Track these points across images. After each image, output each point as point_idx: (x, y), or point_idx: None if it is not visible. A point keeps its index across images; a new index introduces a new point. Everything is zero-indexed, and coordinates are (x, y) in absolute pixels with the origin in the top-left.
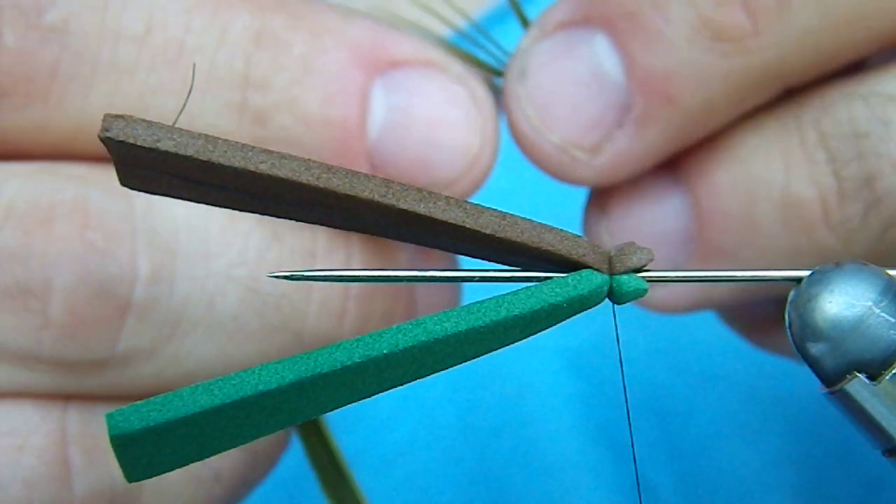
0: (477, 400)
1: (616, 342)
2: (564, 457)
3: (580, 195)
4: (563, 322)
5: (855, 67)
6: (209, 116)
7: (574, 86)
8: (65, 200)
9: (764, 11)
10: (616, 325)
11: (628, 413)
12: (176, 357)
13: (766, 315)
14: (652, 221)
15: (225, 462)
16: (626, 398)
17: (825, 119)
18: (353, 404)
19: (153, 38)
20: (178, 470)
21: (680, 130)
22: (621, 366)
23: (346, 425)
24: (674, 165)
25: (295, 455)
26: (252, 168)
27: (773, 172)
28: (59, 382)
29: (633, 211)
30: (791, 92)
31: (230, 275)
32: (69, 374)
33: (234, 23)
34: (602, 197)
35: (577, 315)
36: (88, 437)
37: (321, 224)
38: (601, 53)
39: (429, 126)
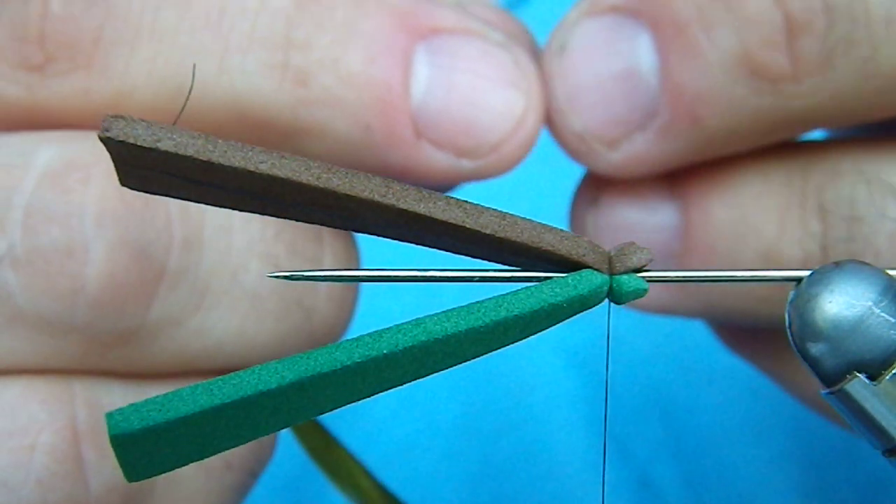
0: (478, 399)
1: (607, 341)
2: (566, 455)
3: (555, 178)
4: (564, 322)
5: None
6: (251, 77)
7: (608, 78)
8: (102, 161)
9: (807, 60)
10: (609, 325)
11: (606, 409)
12: (200, 330)
13: (752, 329)
14: (638, 227)
15: (235, 450)
16: (605, 396)
17: (829, 189)
18: (353, 404)
19: (195, 2)
20: None
21: (698, 149)
22: (607, 366)
23: (346, 425)
24: (675, 180)
25: (293, 456)
26: (252, 168)
27: (768, 225)
28: (82, 355)
29: (623, 211)
30: (807, 146)
31: (251, 249)
32: (95, 346)
33: None
34: (595, 187)
35: (583, 313)
36: (100, 431)
37: (321, 224)
38: (642, 54)
39: (472, 88)
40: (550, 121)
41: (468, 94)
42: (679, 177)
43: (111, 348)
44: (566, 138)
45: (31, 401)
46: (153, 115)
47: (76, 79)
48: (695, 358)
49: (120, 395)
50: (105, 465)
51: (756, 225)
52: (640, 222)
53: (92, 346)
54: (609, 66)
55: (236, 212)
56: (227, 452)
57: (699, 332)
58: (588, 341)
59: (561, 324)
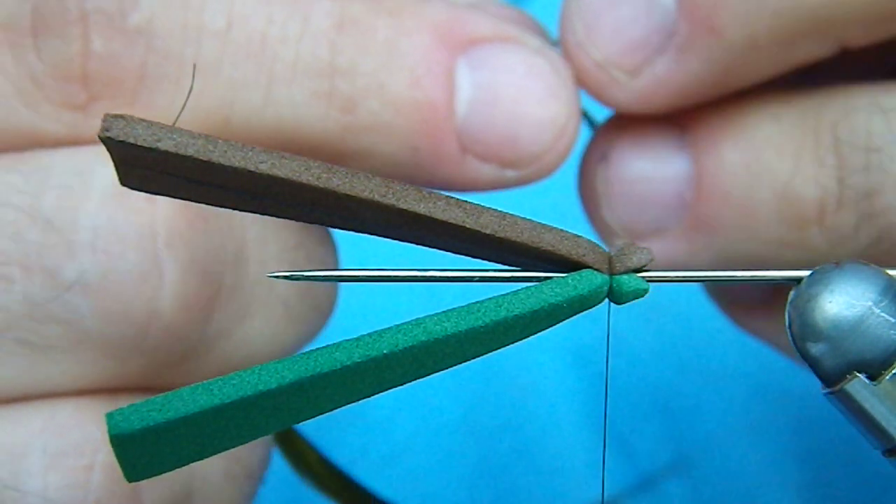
0: (479, 398)
1: (607, 341)
2: (567, 454)
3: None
4: (564, 321)
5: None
6: (298, 108)
7: (623, 4)
8: None
9: None
10: (609, 325)
11: (605, 408)
12: (245, 340)
13: (754, 298)
14: (650, 179)
15: (254, 458)
16: (605, 395)
17: (844, 124)
18: (353, 403)
19: (235, 33)
20: (218, 471)
21: (721, 66)
22: (607, 366)
23: (346, 424)
24: (685, 127)
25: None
26: (252, 168)
27: (782, 164)
28: (142, 375)
29: (633, 164)
30: (820, 86)
31: (281, 258)
32: (156, 366)
33: (315, 10)
34: (605, 142)
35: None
36: None
37: (321, 224)
38: None
39: (515, 101)
40: (570, 56)
41: (511, 108)
42: (689, 124)
43: (170, 367)
44: (587, 71)
45: (86, 421)
46: None
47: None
48: (695, 357)
49: None
50: (156, 481)
51: (770, 166)
52: (652, 174)
53: (153, 366)
54: None
55: (268, 222)
56: (248, 461)
57: (700, 331)
58: (588, 340)
59: (561, 323)
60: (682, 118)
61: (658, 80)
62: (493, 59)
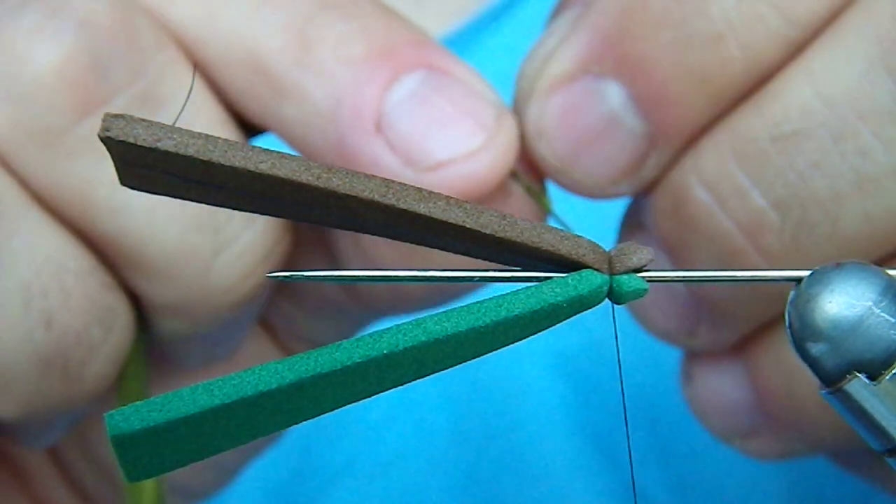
0: (469, 406)
1: (615, 341)
2: (557, 463)
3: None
4: (560, 325)
5: None
6: (269, 29)
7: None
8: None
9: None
10: (615, 325)
11: (626, 414)
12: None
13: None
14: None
15: None
16: (623, 397)
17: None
18: (347, 407)
19: None
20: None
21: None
22: (619, 366)
23: (337, 432)
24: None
25: (286, 458)
26: (252, 168)
27: None
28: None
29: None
30: None
31: None
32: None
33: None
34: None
35: (571, 320)
36: None
37: (321, 224)
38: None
39: (442, 112)
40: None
41: (436, 115)
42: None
43: (31, 140)
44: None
45: None
46: (174, 28)
47: None
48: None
49: None
50: None
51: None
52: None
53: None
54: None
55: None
56: None
57: None
58: (577, 348)
59: (551, 331)
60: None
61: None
62: (447, 84)
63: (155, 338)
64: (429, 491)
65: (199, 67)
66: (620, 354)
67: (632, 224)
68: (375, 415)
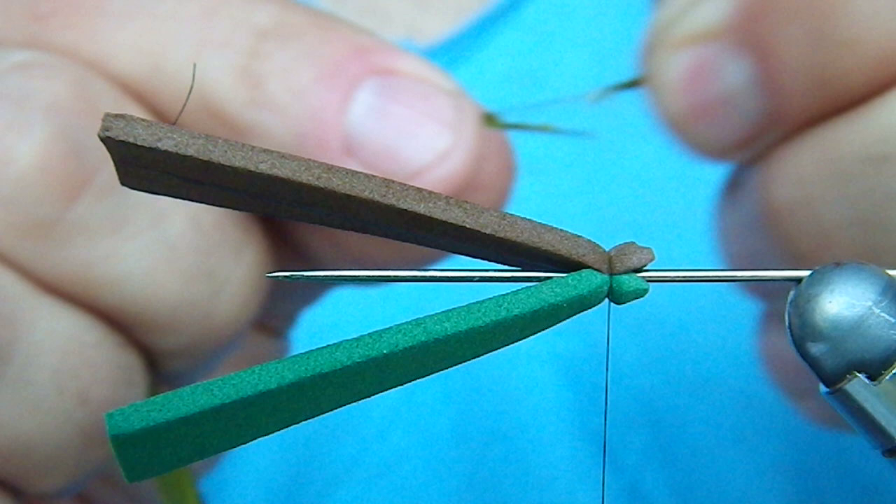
0: (469, 409)
1: (607, 341)
2: (557, 465)
3: (579, 196)
4: (558, 326)
5: None
6: (216, 71)
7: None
8: (69, 69)
9: None
10: (609, 325)
11: (606, 407)
12: (110, 256)
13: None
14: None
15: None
16: (606, 393)
17: None
18: (349, 409)
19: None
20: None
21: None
22: (607, 366)
23: (338, 435)
24: None
25: (289, 459)
26: (252, 168)
27: None
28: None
29: None
30: None
31: (178, 207)
32: (12, 229)
33: (259, 10)
34: None
35: (571, 322)
36: None
37: (321, 224)
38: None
39: (405, 119)
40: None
41: (399, 124)
42: None
43: (26, 236)
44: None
45: None
46: (125, 83)
47: (70, 34)
48: (684, 367)
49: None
50: None
51: None
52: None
53: (12, 223)
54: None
55: None
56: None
57: (688, 342)
58: (578, 350)
59: (551, 333)
60: None
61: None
62: (401, 86)
63: (162, 376)
64: (430, 494)
65: (158, 116)
66: (622, 358)
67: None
68: (377, 417)
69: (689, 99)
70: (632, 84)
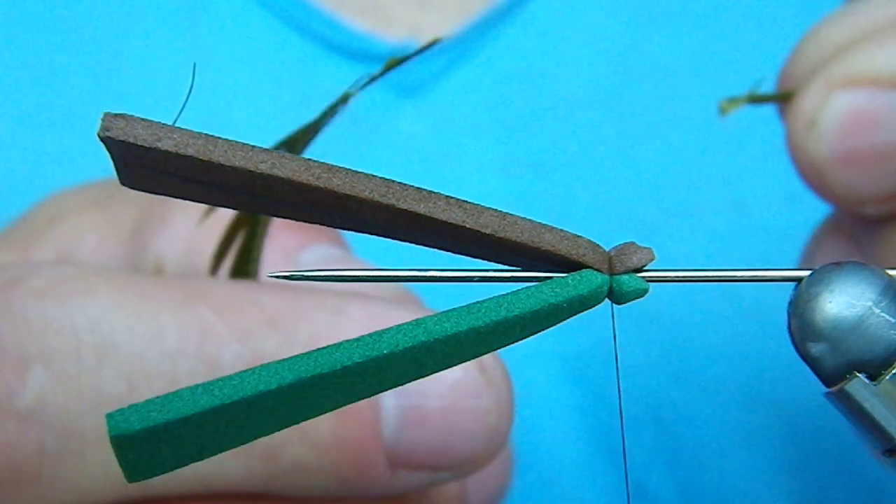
0: None
1: (614, 341)
2: (562, 465)
3: (578, 197)
4: (563, 325)
5: None
6: (216, 461)
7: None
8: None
9: None
10: (614, 325)
11: (621, 414)
12: None
13: None
14: None
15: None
16: (619, 396)
17: None
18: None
19: (138, 393)
20: None
21: None
22: (616, 367)
23: None
24: None
25: None
26: (252, 168)
27: None
28: None
29: None
30: None
31: None
32: None
33: (224, 355)
34: None
35: (576, 321)
36: None
37: (321, 224)
38: None
39: (444, 415)
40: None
41: (440, 423)
42: None
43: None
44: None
45: None
46: None
47: (27, 497)
48: (689, 367)
49: None
50: None
51: None
52: None
53: None
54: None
55: None
56: None
57: (692, 341)
58: (582, 350)
59: (556, 332)
60: None
61: None
62: (413, 396)
63: None
64: None
65: None
66: (627, 358)
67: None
68: None
69: (844, 144)
70: (770, 98)
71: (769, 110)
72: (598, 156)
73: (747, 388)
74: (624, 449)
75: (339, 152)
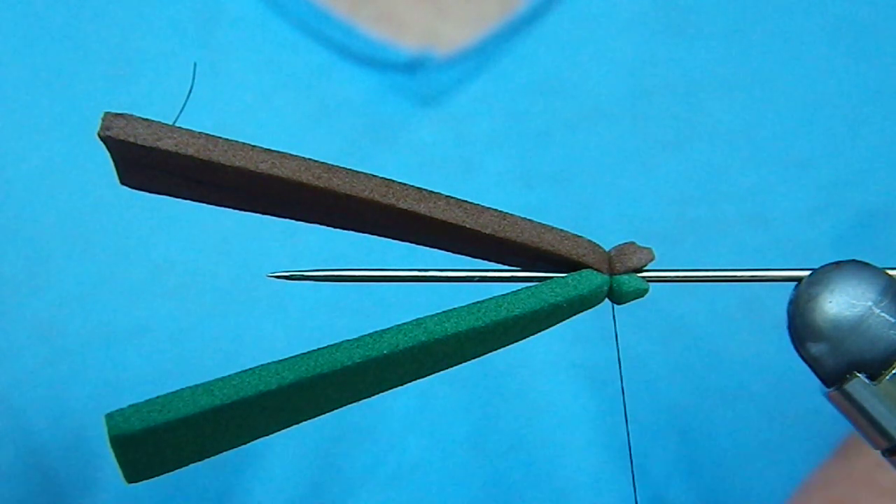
0: (489, 417)
1: (616, 341)
2: (579, 476)
3: (596, 209)
4: (580, 336)
5: None
6: None
7: None
8: None
9: None
10: (615, 326)
11: (626, 415)
12: None
13: None
14: None
15: None
16: (623, 399)
17: None
18: (367, 417)
19: None
20: None
21: None
22: (620, 367)
23: (356, 441)
24: None
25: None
26: (252, 167)
27: None
28: None
29: None
30: None
31: None
32: None
33: None
34: None
35: (594, 330)
36: None
37: (321, 224)
38: None
39: None
40: None
41: None
42: None
43: None
44: None
45: None
46: None
47: None
48: (711, 378)
49: None
50: None
51: None
52: None
53: None
54: None
55: None
56: None
57: (715, 353)
58: (602, 360)
59: (573, 341)
60: None
61: None
62: None
63: None
64: (448, 502)
65: None
66: (650, 368)
67: None
68: (395, 425)
69: None
70: None
71: (793, 123)
72: (617, 168)
73: (769, 400)
74: (630, 453)
75: (357, 161)
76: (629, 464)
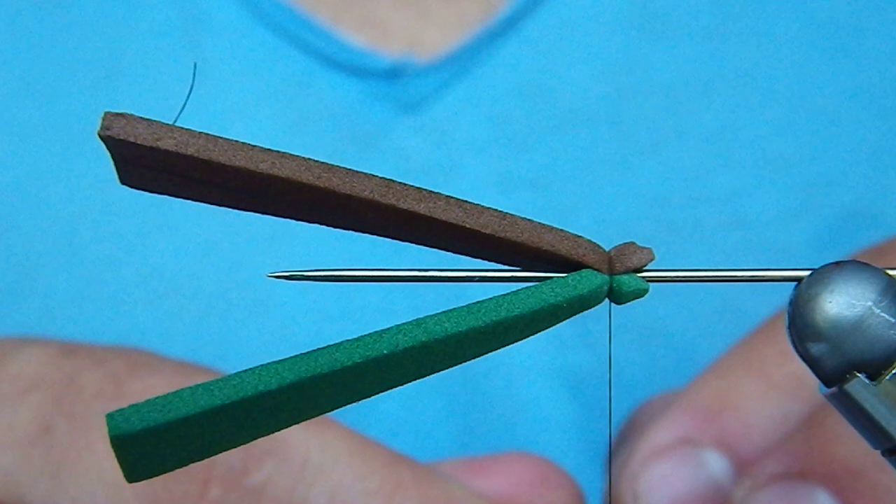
0: (472, 423)
1: (609, 343)
2: None
3: (577, 213)
4: (564, 340)
5: None
6: None
7: None
8: None
9: None
10: (610, 327)
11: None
12: None
13: None
14: None
15: None
16: (609, 402)
17: None
18: (350, 420)
19: None
20: None
21: None
22: (609, 370)
23: None
24: None
25: None
26: (253, 167)
27: None
28: None
29: None
30: None
31: None
32: None
33: None
34: None
35: (576, 334)
36: None
37: (321, 224)
38: None
39: None
40: None
41: None
42: None
43: None
44: None
45: None
46: None
47: None
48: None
49: None
50: None
51: None
52: None
53: None
54: None
55: None
56: None
57: (699, 359)
58: (585, 365)
59: (556, 345)
60: None
61: None
62: None
63: None
64: None
65: None
66: (629, 372)
67: None
68: (377, 430)
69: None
70: None
71: (771, 125)
72: (597, 172)
73: None
74: (610, 456)
75: None
76: (609, 466)
